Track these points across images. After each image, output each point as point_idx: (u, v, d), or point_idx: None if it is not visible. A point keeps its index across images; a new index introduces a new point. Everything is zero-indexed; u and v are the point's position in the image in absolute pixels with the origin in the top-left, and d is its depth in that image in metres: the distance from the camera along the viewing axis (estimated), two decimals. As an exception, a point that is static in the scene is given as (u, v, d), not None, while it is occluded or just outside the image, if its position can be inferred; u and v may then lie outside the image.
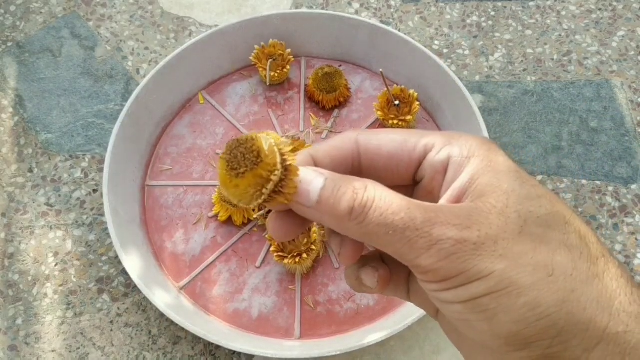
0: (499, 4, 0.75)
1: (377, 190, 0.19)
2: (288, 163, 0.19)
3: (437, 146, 0.21)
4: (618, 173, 0.63)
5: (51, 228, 0.60)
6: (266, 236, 0.56)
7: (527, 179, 0.20)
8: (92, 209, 0.61)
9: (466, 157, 0.20)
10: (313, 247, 0.53)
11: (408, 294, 0.24)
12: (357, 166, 0.22)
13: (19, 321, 0.55)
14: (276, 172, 0.19)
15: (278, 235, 0.22)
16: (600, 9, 0.74)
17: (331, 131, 0.64)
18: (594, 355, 0.18)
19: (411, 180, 0.22)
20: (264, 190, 0.19)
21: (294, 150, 0.57)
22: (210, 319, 0.54)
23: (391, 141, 0.22)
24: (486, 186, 0.19)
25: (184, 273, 0.57)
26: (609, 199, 0.61)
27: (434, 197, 0.21)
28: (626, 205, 0.61)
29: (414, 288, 0.24)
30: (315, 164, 0.21)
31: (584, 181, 0.62)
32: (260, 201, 0.19)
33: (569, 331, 0.18)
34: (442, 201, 0.20)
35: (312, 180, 0.19)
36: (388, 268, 0.23)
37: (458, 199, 0.20)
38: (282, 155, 0.19)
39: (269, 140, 0.19)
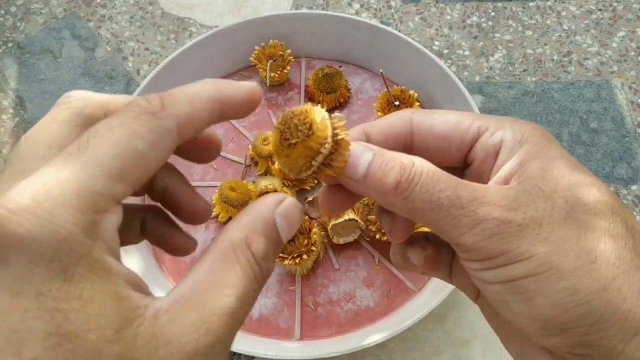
0: (499, 4, 0.75)
1: (425, 166, 0.19)
2: (340, 137, 0.19)
3: (490, 129, 0.21)
4: (618, 174, 0.63)
5: (51, 229, 0.60)
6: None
7: (578, 166, 0.20)
8: (92, 210, 0.61)
9: (519, 141, 0.20)
10: (313, 248, 0.53)
11: (450, 276, 0.24)
12: (409, 145, 0.22)
13: (20, 322, 0.55)
14: (326, 145, 0.19)
15: (329, 209, 0.22)
16: (600, 10, 0.74)
17: (331, 132, 0.64)
18: (631, 346, 0.18)
19: (462, 162, 0.22)
20: (313, 162, 0.19)
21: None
22: (210, 320, 0.54)
23: (445, 122, 0.22)
24: (536, 170, 0.19)
25: (185, 274, 0.57)
26: (609, 199, 0.61)
27: (483, 180, 0.21)
28: (626, 206, 0.61)
29: (456, 270, 0.24)
30: (369, 140, 0.22)
31: (584, 182, 0.62)
32: (309, 173, 0.19)
33: (607, 320, 0.17)
34: (491, 182, 0.20)
35: (360, 154, 0.20)
36: (434, 248, 0.24)
37: (506, 181, 0.20)
38: (334, 129, 0.19)
39: (322, 113, 0.19)
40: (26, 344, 0.12)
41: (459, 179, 0.19)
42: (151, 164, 0.15)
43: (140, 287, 0.15)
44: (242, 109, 0.18)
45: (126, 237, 0.20)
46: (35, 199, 0.13)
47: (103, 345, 0.13)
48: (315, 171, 0.19)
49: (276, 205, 0.18)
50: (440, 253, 0.24)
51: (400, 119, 0.22)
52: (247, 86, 0.18)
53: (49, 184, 0.13)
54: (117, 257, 0.14)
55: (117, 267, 0.14)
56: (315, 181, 0.60)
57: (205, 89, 0.17)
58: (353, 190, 0.20)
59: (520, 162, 0.20)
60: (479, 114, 0.22)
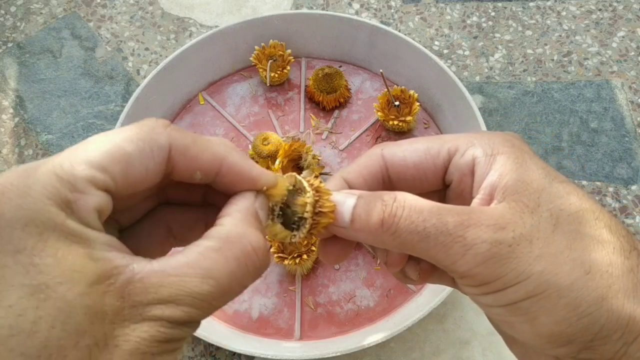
0: (499, 4, 0.75)
1: (407, 199, 0.19)
2: (316, 186, 0.20)
3: (460, 149, 0.21)
4: (618, 174, 0.63)
5: (51, 229, 0.60)
6: (266, 237, 0.56)
7: (555, 175, 0.20)
8: (92, 210, 0.61)
9: (491, 154, 0.20)
10: (313, 248, 0.53)
11: (453, 282, 0.25)
12: (387, 180, 0.23)
13: (20, 322, 0.55)
14: (308, 195, 0.20)
15: (330, 260, 0.23)
16: (600, 10, 0.74)
17: (331, 132, 0.64)
18: (633, 347, 0.18)
19: (441, 185, 0.23)
20: (305, 215, 0.20)
21: (294, 151, 0.57)
22: (210, 320, 0.54)
23: (414, 151, 0.22)
24: (516, 183, 0.19)
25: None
26: (609, 199, 0.61)
27: (464, 199, 0.22)
28: (626, 206, 0.61)
29: None
30: (349, 186, 0.22)
31: (584, 182, 0.62)
32: (307, 226, 0.20)
33: (610, 327, 0.18)
34: (475, 201, 0.21)
35: (344, 201, 0.20)
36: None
37: (490, 197, 0.20)
38: (307, 181, 0.20)
39: (292, 175, 0.21)
40: (4, 294, 0.14)
41: (443, 205, 0.19)
42: (136, 168, 0.17)
43: (123, 250, 0.16)
44: (232, 184, 0.19)
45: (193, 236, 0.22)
46: (20, 175, 0.15)
47: (73, 297, 0.14)
48: (312, 223, 0.20)
49: (255, 198, 0.19)
50: None
51: (371, 158, 0.23)
52: (258, 172, 0.19)
53: (40, 165, 0.16)
54: (97, 229, 0.16)
55: (95, 235, 0.16)
56: None
57: (219, 143, 0.19)
58: (345, 237, 0.21)
59: (499, 176, 0.20)
60: (447, 135, 0.22)
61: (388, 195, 0.20)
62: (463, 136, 0.22)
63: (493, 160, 0.20)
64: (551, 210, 0.19)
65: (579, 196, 0.20)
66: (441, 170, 0.22)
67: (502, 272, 0.18)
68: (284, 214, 0.20)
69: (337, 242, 0.22)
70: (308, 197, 0.19)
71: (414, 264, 0.23)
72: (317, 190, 0.20)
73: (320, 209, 0.20)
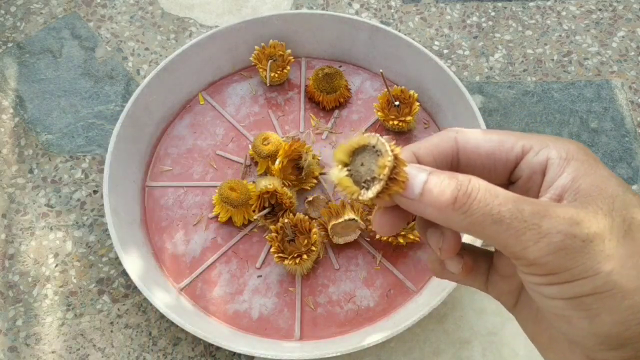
0: (499, 4, 0.75)
1: (482, 183, 0.20)
2: (396, 152, 0.20)
3: (534, 148, 0.22)
4: (618, 174, 0.63)
5: (51, 229, 0.60)
6: (266, 237, 0.56)
7: (627, 186, 0.21)
8: (92, 210, 0.61)
9: (565, 159, 0.21)
10: (313, 248, 0.53)
11: (486, 284, 0.25)
12: (455, 164, 0.23)
13: (19, 322, 0.55)
14: (389, 159, 0.20)
15: (384, 230, 0.23)
16: (600, 10, 0.74)
17: (331, 132, 0.64)
18: None
19: (506, 180, 0.23)
20: (381, 176, 0.20)
21: (294, 151, 0.57)
22: (210, 320, 0.54)
23: (489, 141, 0.23)
24: (590, 188, 0.20)
25: (184, 274, 0.57)
26: (609, 199, 0.61)
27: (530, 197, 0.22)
28: (626, 206, 0.61)
29: (492, 280, 0.25)
30: (418, 160, 0.22)
31: (584, 182, 0.62)
32: (379, 187, 0.20)
33: None
34: (544, 198, 0.21)
35: (416, 174, 0.20)
36: (471, 257, 0.24)
37: (559, 198, 0.20)
38: (390, 145, 0.20)
39: (374, 136, 0.21)
40: None
41: (518, 195, 0.19)
42: None
43: None
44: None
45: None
46: None
47: None
48: (384, 186, 0.20)
49: None
50: (477, 262, 0.24)
51: (444, 139, 0.23)
52: None
53: None
54: None
55: None
56: (315, 181, 0.60)
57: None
58: (409, 210, 0.21)
59: (572, 179, 0.20)
60: (522, 133, 0.23)
61: (463, 176, 0.20)
62: (537, 136, 0.22)
63: (567, 164, 0.21)
64: (624, 216, 0.19)
65: None
66: (512, 164, 0.22)
67: (572, 264, 0.18)
68: (357, 171, 0.21)
69: (395, 213, 0.22)
70: (389, 161, 0.20)
71: (458, 257, 0.24)
72: (395, 157, 0.20)
73: (394, 176, 0.20)
